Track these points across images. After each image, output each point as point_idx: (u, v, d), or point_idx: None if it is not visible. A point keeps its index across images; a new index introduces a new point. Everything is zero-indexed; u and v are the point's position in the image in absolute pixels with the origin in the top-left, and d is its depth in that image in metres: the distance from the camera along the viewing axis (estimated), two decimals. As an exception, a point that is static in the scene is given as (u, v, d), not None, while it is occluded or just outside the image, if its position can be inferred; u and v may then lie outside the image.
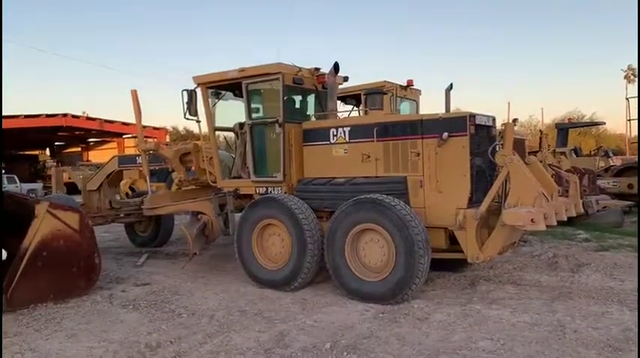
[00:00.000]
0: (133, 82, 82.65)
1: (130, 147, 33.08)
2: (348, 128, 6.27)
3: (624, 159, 18.84)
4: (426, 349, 4.18)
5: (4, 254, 5.63)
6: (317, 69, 6.96)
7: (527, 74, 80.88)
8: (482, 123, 5.70)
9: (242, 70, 6.74)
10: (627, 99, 12.09)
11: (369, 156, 6.08)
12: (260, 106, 7.02)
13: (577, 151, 15.45)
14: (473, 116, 5.53)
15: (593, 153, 16.68)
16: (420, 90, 9.96)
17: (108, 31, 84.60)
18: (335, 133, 6.33)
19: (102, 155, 30.86)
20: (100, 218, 9.02)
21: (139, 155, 8.65)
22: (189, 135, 44.16)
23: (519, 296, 5.69)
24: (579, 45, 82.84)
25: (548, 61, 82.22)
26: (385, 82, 8.98)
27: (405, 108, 9.67)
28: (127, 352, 4.30)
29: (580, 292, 5.75)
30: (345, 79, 7.33)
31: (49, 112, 26.56)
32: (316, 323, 4.97)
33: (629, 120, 12.34)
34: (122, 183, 14.57)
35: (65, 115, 26.68)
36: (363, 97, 8.54)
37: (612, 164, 15.03)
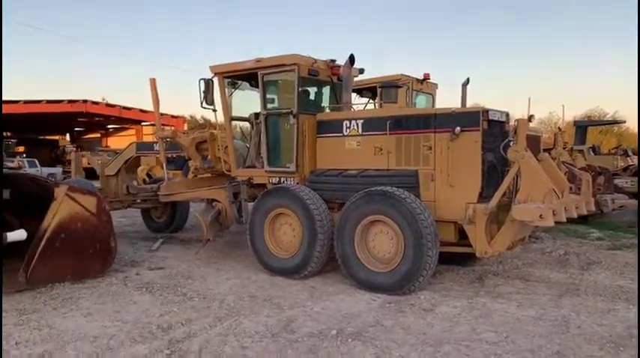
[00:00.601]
0: (150, 71, 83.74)
1: (148, 134, 33.50)
2: (362, 121, 6.34)
3: None
4: (429, 339, 4.27)
5: (24, 233, 5.85)
6: (332, 60, 7.03)
7: (550, 71, 79.46)
8: (496, 119, 5.73)
9: (259, 60, 6.84)
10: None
11: (381, 149, 6.15)
12: (275, 97, 7.12)
13: (595, 149, 15.28)
14: (486, 111, 5.57)
15: (612, 151, 16.48)
16: (436, 84, 9.98)
17: (123, 18, 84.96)
18: (348, 125, 6.41)
19: (120, 141, 31.31)
20: (118, 202, 9.24)
21: (156, 142, 8.83)
22: (207, 124, 44.63)
23: (526, 291, 5.74)
24: (604, 42, 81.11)
25: (572, 58, 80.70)
26: (402, 75, 9.02)
27: (421, 102, 9.70)
28: (140, 332, 4.47)
29: (588, 289, 5.78)
30: (361, 71, 7.38)
31: (71, 98, 27.04)
32: (323, 310, 5.09)
33: (648, 119, 12.22)
34: (139, 169, 14.85)
35: (85, 101, 27.14)
36: (378, 90, 8.60)
37: (631, 163, 14.84)
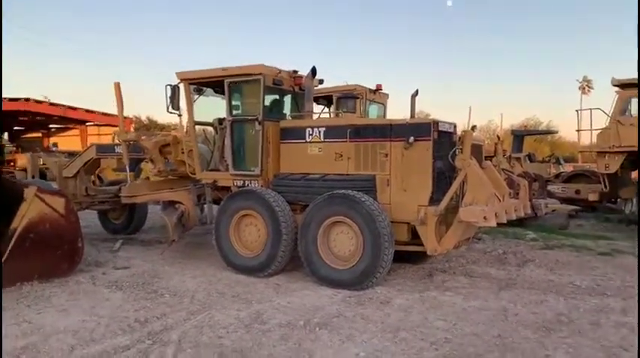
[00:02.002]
0: (94, 71, 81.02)
1: (93, 134, 32.66)
2: (324, 128, 6.82)
3: (576, 167, 20.10)
4: (388, 326, 4.79)
5: None
6: (295, 71, 7.47)
7: (489, 80, 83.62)
8: (445, 130, 6.36)
9: (225, 69, 7.19)
10: (577, 111, 13.05)
11: (341, 155, 6.65)
12: (240, 104, 7.48)
13: (531, 157, 16.49)
14: (437, 123, 6.19)
15: (546, 159, 17.79)
16: (387, 94, 10.61)
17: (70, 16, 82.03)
18: (311, 132, 6.87)
19: (63, 142, 30.36)
20: (76, 204, 9.24)
21: (117, 144, 8.95)
22: (152, 125, 43.78)
23: (471, 285, 6.38)
24: (540, 54, 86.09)
25: (510, 68, 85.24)
26: (357, 85, 9.57)
27: (374, 111, 10.29)
28: (119, 325, 4.75)
29: (524, 283, 6.50)
30: (321, 81, 7.89)
31: (11, 96, 26.02)
32: (289, 304, 5.51)
33: (578, 130, 13.34)
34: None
35: (27, 100, 26.16)
36: (335, 99, 9.11)
37: (563, 171, 16.13)
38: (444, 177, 6.32)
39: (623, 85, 11.74)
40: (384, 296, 5.82)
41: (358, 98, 8.16)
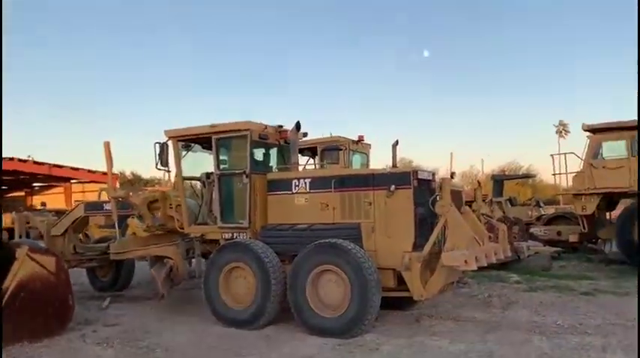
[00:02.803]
0: (79, 127, 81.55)
1: (77, 192, 32.58)
2: (309, 179, 7.09)
3: (557, 209, 20.57)
4: (378, 372, 4.90)
5: None
6: (280, 126, 7.81)
7: (472, 126, 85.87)
8: (424, 178, 6.68)
9: (213, 126, 7.50)
10: (552, 155, 13.64)
11: (327, 205, 6.89)
12: (228, 158, 7.75)
13: (512, 201, 16.93)
14: (416, 171, 6.52)
15: (527, 203, 18.25)
16: (369, 145, 10.99)
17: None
18: (297, 184, 7.13)
19: (47, 200, 30.20)
20: (65, 263, 9.26)
21: (105, 202, 9.10)
22: (136, 180, 43.85)
23: (457, 329, 6.53)
24: (519, 100, 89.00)
25: (491, 114, 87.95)
26: (339, 137, 9.96)
27: (357, 161, 10.64)
28: (112, 382, 4.78)
29: (508, 325, 6.66)
30: (305, 134, 8.23)
31: (-5, 156, 26.06)
32: (281, 355, 5.60)
33: (554, 174, 13.93)
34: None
35: (11, 159, 26.22)
36: (319, 151, 9.47)
37: (543, 213, 16.54)
38: (425, 223, 6.57)
39: (594, 130, 12.33)
40: (373, 342, 5.93)
41: (342, 149, 8.50)
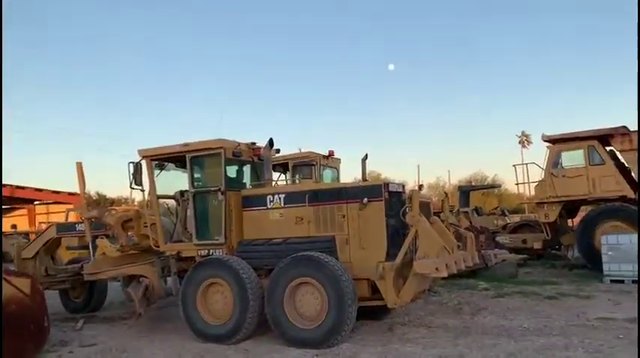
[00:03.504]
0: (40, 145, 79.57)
1: (41, 213, 31.82)
2: (283, 195, 7.28)
3: (522, 217, 21.23)
4: (355, 380, 5.08)
5: None
6: (253, 143, 7.99)
7: (436, 139, 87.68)
8: (394, 190, 6.96)
9: (186, 144, 7.62)
10: (514, 166, 14.23)
11: (302, 219, 7.08)
12: (202, 176, 7.87)
13: (478, 211, 17.44)
14: (387, 184, 6.80)
15: (492, 212, 18.81)
16: (339, 159, 11.24)
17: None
18: (272, 199, 7.30)
19: (9, 223, 29.38)
20: (36, 285, 9.15)
21: (78, 222, 9.06)
22: (101, 200, 42.97)
23: (429, 335, 6.78)
24: (483, 111, 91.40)
25: (457, 126, 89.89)
26: (310, 152, 10.19)
27: (328, 176, 10.88)
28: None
29: (478, 330, 6.96)
30: (277, 151, 8.42)
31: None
32: None
33: (517, 184, 14.57)
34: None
35: (-28, 182, 25.45)
36: (290, 166, 9.67)
37: (508, 222, 17.10)
38: (397, 233, 6.83)
39: (553, 141, 12.91)
40: (350, 351, 6.13)
41: (314, 165, 8.71)
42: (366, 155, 9.68)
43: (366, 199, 6.68)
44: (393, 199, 6.85)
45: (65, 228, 9.80)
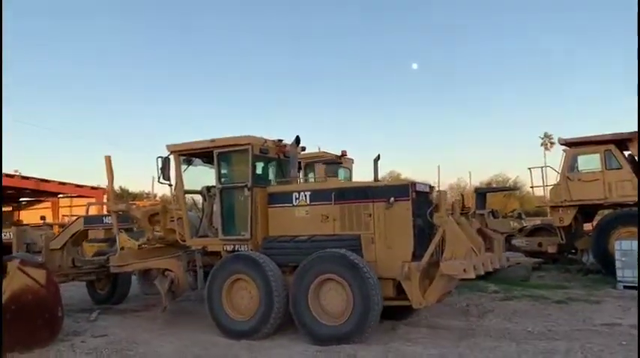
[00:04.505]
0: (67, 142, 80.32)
1: (65, 206, 32.00)
2: (309, 192, 7.10)
3: (543, 220, 20.67)
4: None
5: None
6: (280, 140, 7.82)
7: (461, 138, 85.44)
8: (421, 190, 6.75)
9: (214, 140, 7.47)
10: (529, 169, 13.96)
11: (327, 217, 6.89)
12: (229, 172, 7.71)
13: (494, 213, 17.06)
14: (414, 184, 6.59)
15: (509, 215, 18.41)
16: (352, 159, 10.95)
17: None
18: (297, 197, 7.12)
19: (34, 215, 29.58)
20: (62, 276, 9.10)
21: (106, 215, 8.95)
22: (124, 194, 43.16)
23: (431, 336, 6.58)
24: (508, 112, 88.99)
25: (479, 126, 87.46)
26: (324, 152, 9.94)
27: (340, 175, 10.59)
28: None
29: (481, 332, 6.76)
30: (303, 149, 8.23)
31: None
32: None
33: (532, 187, 14.35)
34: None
35: (-1, 174, 25.60)
36: (302, 165, 9.40)
37: (525, 225, 16.73)
38: (423, 233, 6.63)
39: (569, 144, 12.58)
40: (351, 349, 5.97)
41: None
42: (379, 156, 9.43)
43: (392, 199, 6.48)
44: (420, 199, 6.65)
45: (92, 220, 9.71)
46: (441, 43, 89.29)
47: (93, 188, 30.53)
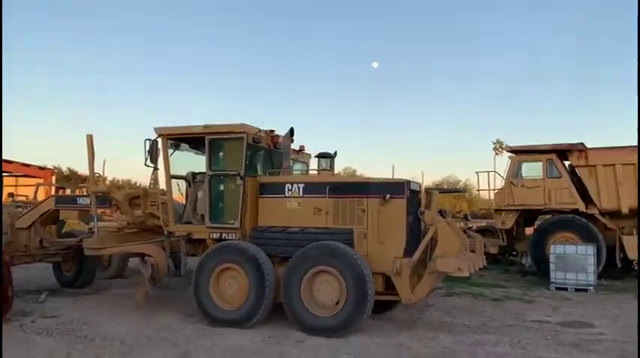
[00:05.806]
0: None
1: (10, 186, 29.45)
2: (303, 184, 6.73)
3: (488, 222, 21.13)
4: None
5: None
6: (272, 131, 7.38)
7: (412, 137, 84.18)
8: (414, 189, 6.57)
9: (207, 126, 6.93)
10: (477, 173, 14.28)
11: (320, 210, 6.56)
12: (221, 159, 7.18)
13: (442, 213, 17.23)
14: (409, 182, 6.39)
15: (455, 215, 18.70)
16: (310, 154, 10.59)
17: None
18: (290, 188, 6.74)
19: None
20: (28, 256, 8.19)
21: (80, 196, 8.12)
22: (72, 176, 40.23)
23: (376, 327, 6.47)
24: (460, 117, 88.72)
25: (432, 129, 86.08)
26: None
27: (297, 170, 10.27)
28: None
29: (422, 324, 6.82)
30: (293, 141, 7.80)
31: None
32: (214, 345, 5.57)
33: (478, 190, 14.68)
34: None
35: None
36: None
37: (470, 226, 17.02)
38: (413, 231, 6.44)
39: (515, 151, 12.85)
40: (300, 335, 5.96)
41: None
42: (335, 152, 9.18)
43: (388, 195, 6.25)
44: (412, 197, 6.46)
45: (64, 200, 8.76)
46: (401, 41, 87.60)
47: (40, 168, 28.22)
